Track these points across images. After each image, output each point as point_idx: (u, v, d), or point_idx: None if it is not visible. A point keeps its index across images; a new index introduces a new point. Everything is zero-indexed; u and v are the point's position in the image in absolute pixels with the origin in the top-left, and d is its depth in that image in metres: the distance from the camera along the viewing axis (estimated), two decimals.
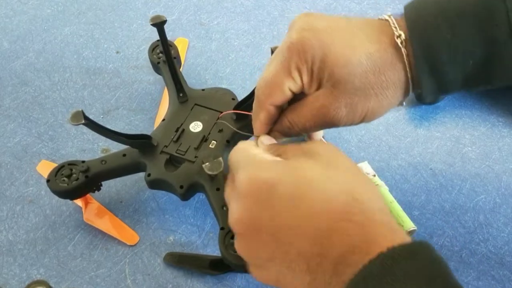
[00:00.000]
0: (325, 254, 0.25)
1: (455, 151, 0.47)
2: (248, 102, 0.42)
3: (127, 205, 0.44)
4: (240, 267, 0.36)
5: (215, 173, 0.37)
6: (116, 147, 0.47)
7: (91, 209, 0.43)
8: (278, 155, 0.30)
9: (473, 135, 0.48)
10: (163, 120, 0.44)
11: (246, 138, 0.43)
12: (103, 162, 0.41)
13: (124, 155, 0.41)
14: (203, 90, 0.46)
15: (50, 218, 0.43)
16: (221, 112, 0.44)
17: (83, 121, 0.35)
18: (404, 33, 0.30)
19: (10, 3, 0.61)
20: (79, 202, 0.42)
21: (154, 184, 0.41)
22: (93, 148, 0.48)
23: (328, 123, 0.32)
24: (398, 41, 0.30)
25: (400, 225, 0.40)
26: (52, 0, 0.61)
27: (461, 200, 0.44)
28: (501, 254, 0.41)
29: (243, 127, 0.43)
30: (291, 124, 0.33)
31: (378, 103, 0.31)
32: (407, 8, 0.32)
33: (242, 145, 0.32)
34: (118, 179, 0.43)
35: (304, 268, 0.26)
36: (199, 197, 0.44)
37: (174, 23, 0.58)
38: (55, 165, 0.40)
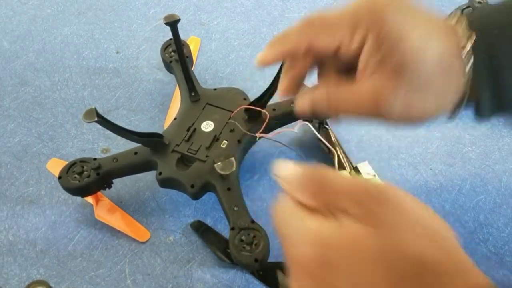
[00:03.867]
0: None
1: (455, 151, 0.47)
2: (261, 101, 0.43)
3: (127, 205, 0.44)
4: (250, 267, 0.36)
5: (227, 173, 0.37)
6: (117, 147, 0.47)
7: (102, 206, 0.43)
8: (323, 204, 0.23)
9: (473, 135, 0.48)
10: (175, 119, 0.44)
11: (255, 139, 0.43)
12: (114, 160, 0.41)
13: (136, 153, 0.42)
14: (215, 89, 0.46)
15: (50, 218, 0.43)
16: (232, 112, 0.44)
17: (96, 119, 0.35)
18: (469, 40, 0.28)
19: (10, 3, 0.61)
20: (90, 199, 0.43)
21: (165, 182, 0.41)
22: (93, 148, 0.48)
23: (377, 113, 0.28)
24: (464, 51, 0.28)
25: None
26: (52, 0, 0.61)
27: (461, 200, 0.44)
28: (501, 254, 0.41)
29: (253, 127, 0.43)
30: (329, 103, 0.29)
31: (434, 105, 0.29)
32: (470, 17, 0.29)
33: (285, 208, 0.24)
34: (118, 179, 0.43)
35: None
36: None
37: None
38: (65, 162, 0.41)
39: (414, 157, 0.47)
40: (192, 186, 0.40)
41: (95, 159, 0.41)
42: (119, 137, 0.45)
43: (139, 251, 0.41)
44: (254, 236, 0.36)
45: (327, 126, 0.46)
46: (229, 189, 0.39)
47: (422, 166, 0.46)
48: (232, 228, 0.37)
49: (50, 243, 0.42)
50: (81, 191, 0.40)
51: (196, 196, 0.40)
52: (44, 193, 0.44)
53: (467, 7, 0.51)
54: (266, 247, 0.36)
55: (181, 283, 0.39)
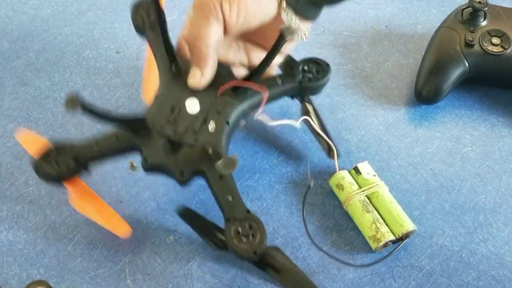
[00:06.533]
0: None
1: (455, 151, 0.47)
2: (252, 77, 0.40)
3: (127, 205, 0.44)
4: (248, 259, 0.36)
5: (229, 172, 0.35)
6: None
7: (76, 192, 0.40)
8: None
9: (473, 135, 0.48)
10: (156, 98, 0.40)
11: (247, 117, 0.41)
12: (94, 146, 0.38)
13: (117, 137, 0.38)
14: None
15: (50, 218, 0.43)
16: (219, 87, 0.40)
17: (79, 107, 0.32)
18: None
19: (10, 3, 0.61)
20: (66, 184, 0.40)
21: (151, 169, 0.38)
22: None
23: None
24: None
25: (401, 225, 0.40)
26: (52, 0, 0.61)
27: (461, 200, 0.44)
28: (501, 254, 0.41)
29: (242, 105, 0.40)
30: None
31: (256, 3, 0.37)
32: None
33: None
34: (118, 179, 0.43)
35: None
36: (199, 197, 0.44)
37: (174, 23, 0.58)
38: (35, 135, 0.38)
39: (414, 157, 0.47)
40: (181, 173, 0.37)
41: (72, 144, 0.38)
42: None
43: (139, 251, 0.41)
44: (250, 227, 0.35)
45: (308, 101, 0.46)
46: (221, 177, 0.37)
47: (422, 166, 0.46)
48: (227, 219, 0.36)
49: (50, 243, 0.42)
50: (58, 179, 0.39)
51: (184, 183, 0.39)
52: (44, 193, 0.44)
53: (467, 7, 0.51)
54: (263, 238, 0.35)
55: (181, 283, 0.39)
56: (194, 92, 0.40)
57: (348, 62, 0.54)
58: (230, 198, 0.37)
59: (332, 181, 0.44)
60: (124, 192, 0.45)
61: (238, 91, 0.40)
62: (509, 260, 0.41)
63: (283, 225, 0.42)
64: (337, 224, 0.42)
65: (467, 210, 0.43)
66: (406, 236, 0.40)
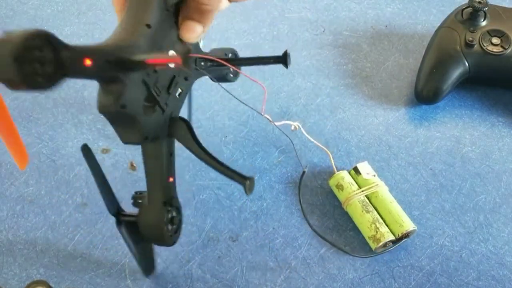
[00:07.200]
0: None
1: (455, 151, 0.47)
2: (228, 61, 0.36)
3: (127, 205, 0.44)
4: (163, 246, 0.35)
5: (250, 193, 0.33)
6: (117, 147, 0.47)
7: None
8: None
9: (473, 135, 0.48)
10: (148, 26, 0.30)
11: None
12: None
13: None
14: None
15: (50, 218, 0.43)
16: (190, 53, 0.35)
17: None
18: None
19: (10, 3, 0.61)
20: None
21: (121, 117, 0.30)
22: (93, 148, 0.47)
23: None
24: None
25: (401, 225, 0.40)
26: (52, 0, 0.61)
27: (461, 200, 0.44)
28: (501, 254, 0.41)
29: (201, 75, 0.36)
30: None
31: None
32: None
33: None
34: (118, 179, 0.43)
35: None
36: (199, 196, 0.44)
37: None
38: None
39: (414, 157, 0.47)
40: (146, 138, 0.31)
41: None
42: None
43: None
44: (174, 217, 0.34)
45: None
46: (171, 154, 0.34)
47: (422, 166, 0.46)
48: (164, 203, 0.33)
49: (50, 243, 0.42)
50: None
51: (136, 143, 0.32)
52: (44, 193, 0.44)
53: (467, 7, 0.51)
54: (180, 231, 0.35)
55: (181, 283, 0.39)
56: (175, 43, 0.33)
57: (348, 62, 0.54)
58: (171, 179, 0.34)
59: (332, 181, 0.44)
60: (124, 192, 0.45)
61: (202, 64, 0.36)
62: (509, 260, 0.41)
63: (283, 225, 0.42)
64: (337, 224, 0.42)
65: (467, 210, 0.43)
66: (406, 236, 0.40)
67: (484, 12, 0.50)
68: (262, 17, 0.59)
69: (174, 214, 0.35)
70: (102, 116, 0.49)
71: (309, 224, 0.41)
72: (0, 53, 0.23)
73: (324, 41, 0.56)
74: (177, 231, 0.36)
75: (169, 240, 0.35)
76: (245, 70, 0.42)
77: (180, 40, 0.34)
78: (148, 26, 0.30)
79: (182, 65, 0.29)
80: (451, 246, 0.41)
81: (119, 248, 0.41)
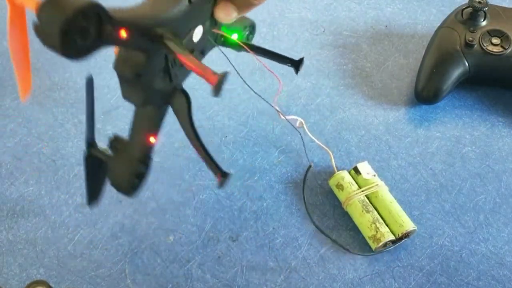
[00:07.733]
0: None
1: (455, 151, 0.47)
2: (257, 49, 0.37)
3: (127, 205, 0.44)
4: (124, 195, 0.35)
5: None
6: None
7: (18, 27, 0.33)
8: None
9: (473, 135, 0.48)
10: (190, 1, 0.30)
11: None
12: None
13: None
14: None
15: (50, 218, 0.43)
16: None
17: None
18: None
19: None
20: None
21: (130, 81, 0.30)
22: None
23: None
24: None
25: (401, 225, 0.40)
26: None
27: (461, 200, 0.44)
28: (501, 254, 0.41)
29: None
30: None
31: None
32: None
33: None
34: None
35: None
36: (199, 196, 0.44)
37: None
38: None
39: (414, 157, 0.47)
40: (145, 102, 0.32)
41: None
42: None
43: (139, 251, 0.41)
44: (143, 173, 0.34)
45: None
46: (162, 119, 0.34)
47: (422, 166, 0.46)
48: (139, 158, 0.33)
49: (50, 243, 0.42)
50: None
51: (135, 104, 0.32)
52: (44, 193, 0.44)
53: (467, 7, 0.51)
54: (141, 187, 0.35)
55: (181, 283, 0.39)
56: (204, 23, 0.33)
57: (348, 62, 0.54)
58: (151, 138, 0.33)
59: (332, 181, 0.44)
60: None
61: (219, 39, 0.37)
62: (509, 260, 0.41)
63: (283, 225, 0.42)
64: (337, 224, 0.42)
65: (467, 210, 0.43)
66: (406, 236, 0.40)
67: (484, 12, 0.50)
68: (262, 17, 0.59)
69: (143, 171, 0.35)
70: (102, 116, 0.50)
71: (311, 220, 0.41)
72: (51, 20, 0.23)
73: (324, 41, 0.56)
74: (139, 185, 0.35)
75: (131, 191, 0.35)
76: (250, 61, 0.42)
77: (212, 16, 0.34)
78: (190, 1, 0.30)
79: (213, 87, 0.28)
80: (451, 246, 0.41)
81: (119, 248, 0.41)
